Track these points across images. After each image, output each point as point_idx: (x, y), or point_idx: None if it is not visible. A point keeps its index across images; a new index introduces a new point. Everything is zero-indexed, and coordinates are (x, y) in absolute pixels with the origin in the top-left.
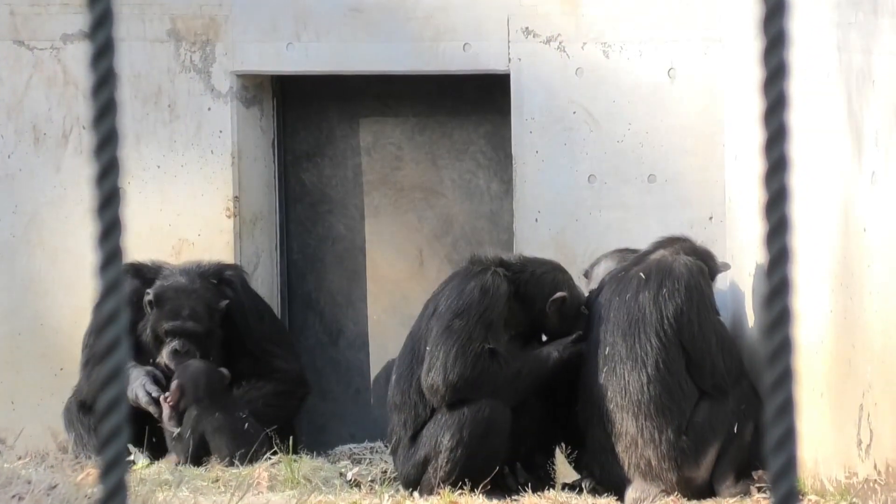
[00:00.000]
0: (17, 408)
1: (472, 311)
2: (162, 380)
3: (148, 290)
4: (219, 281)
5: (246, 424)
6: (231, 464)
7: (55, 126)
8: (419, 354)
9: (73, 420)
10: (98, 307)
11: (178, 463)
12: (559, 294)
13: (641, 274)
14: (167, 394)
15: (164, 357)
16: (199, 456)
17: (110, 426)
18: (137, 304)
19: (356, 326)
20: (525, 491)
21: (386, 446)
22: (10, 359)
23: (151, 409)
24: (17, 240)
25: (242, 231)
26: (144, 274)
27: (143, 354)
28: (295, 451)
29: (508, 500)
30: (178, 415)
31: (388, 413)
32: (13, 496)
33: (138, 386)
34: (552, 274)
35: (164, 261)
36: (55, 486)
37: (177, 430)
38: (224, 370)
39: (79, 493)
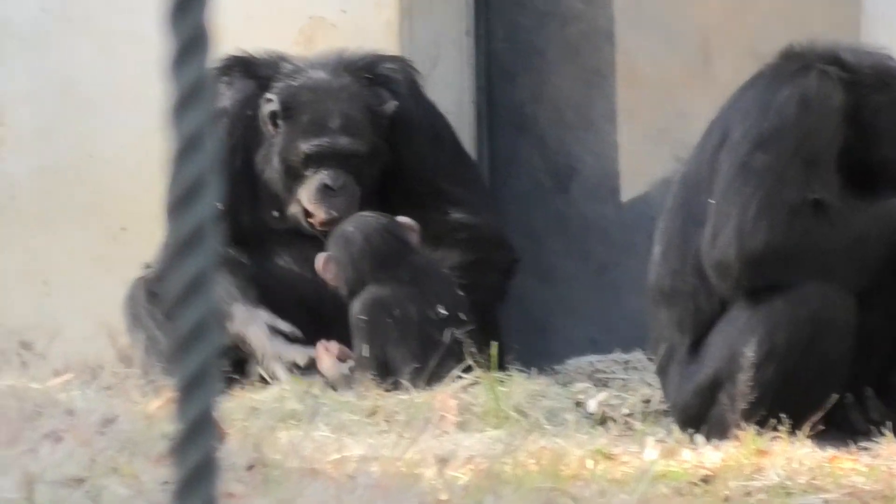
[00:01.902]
0: (54, 292)
1: (786, 138)
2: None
3: (268, 95)
4: (373, 78)
5: (450, 331)
6: (395, 383)
7: None
8: (698, 210)
9: (141, 313)
10: (172, 131)
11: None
12: None
13: None
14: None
15: (307, 201)
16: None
17: (190, 319)
18: (252, 121)
19: (599, 161)
20: (880, 432)
21: (649, 359)
22: (40, 210)
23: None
24: (50, 18)
25: (413, 4)
26: (258, 71)
27: (263, 207)
28: (501, 366)
29: (852, 445)
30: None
31: (651, 306)
32: (46, 435)
33: (267, 340)
34: None
35: (287, 53)
36: (113, 420)
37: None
38: (409, 221)
39: (150, 430)
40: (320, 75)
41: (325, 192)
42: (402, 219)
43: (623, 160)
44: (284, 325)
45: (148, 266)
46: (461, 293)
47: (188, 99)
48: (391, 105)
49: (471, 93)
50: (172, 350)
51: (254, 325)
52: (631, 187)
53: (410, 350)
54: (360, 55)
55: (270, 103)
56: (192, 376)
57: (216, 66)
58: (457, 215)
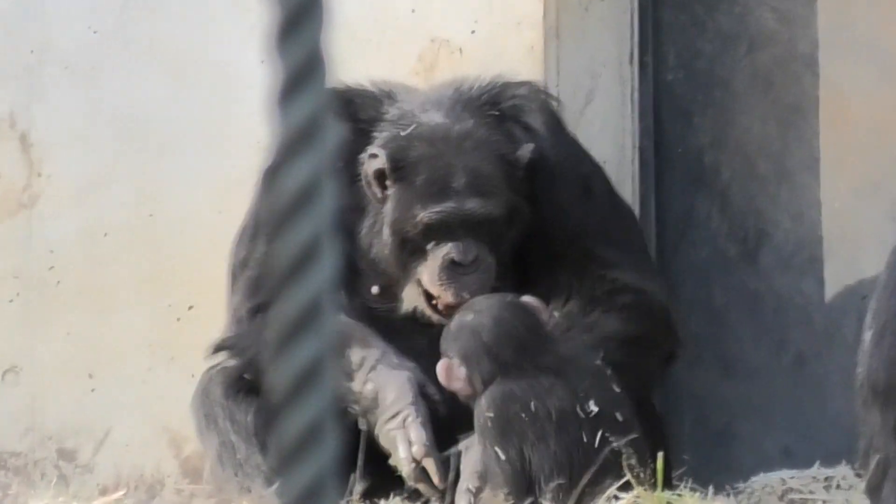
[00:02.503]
0: (102, 387)
1: None
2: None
3: (373, 150)
4: (500, 114)
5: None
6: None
7: None
8: None
9: (216, 413)
10: (271, 178)
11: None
12: None
13: None
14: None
15: (429, 281)
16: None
17: (302, 421)
18: (349, 176)
19: (796, 223)
20: None
21: (857, 476)
22: (85, 284)
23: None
24: (104, 41)
25: (561, 24)
26: (359, 112)
27: (361, 285)
28: (669, 483)
29: None
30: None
31: (861, 408)
32: None
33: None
34: None
35: (400, 83)
36: None
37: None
38: (535, 301)
39: None
40: (436, 118)
41: (453, 269)
42: (527, 299)
43: (827, 221)
44: (434, 391)
45: (220, 347)
46: (617, 389)
47: (300, 142)
48: (527, 148)
49: (634, 136)
50: (279, 460)
51: (395, 382)
52: (837, 256)
53: (553, 456)
54: (480, 85)
55: (376, 160)
56: (304, 495)
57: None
58: (611, 284)
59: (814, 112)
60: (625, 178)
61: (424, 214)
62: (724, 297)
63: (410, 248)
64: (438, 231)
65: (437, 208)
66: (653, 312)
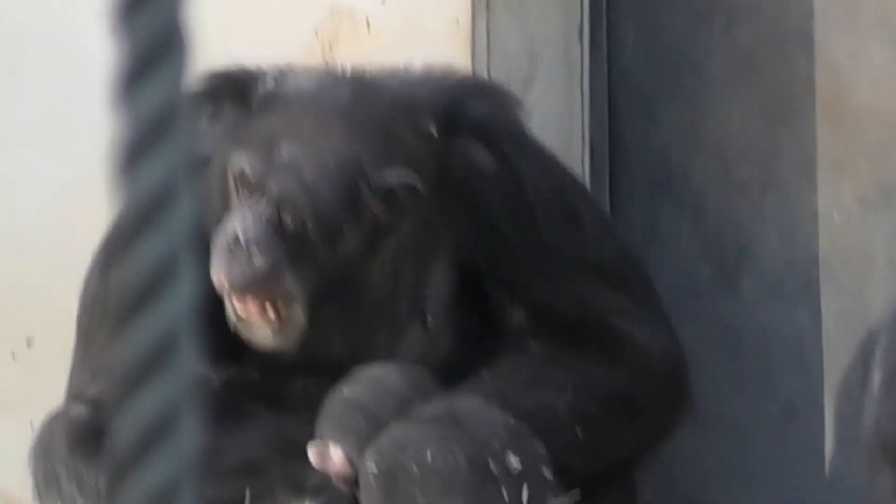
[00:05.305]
0: None
1: None
2: None
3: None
4: (448, 127)
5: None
6: None
7: None
8: None
9: (59, 473)
10: (124, 189)
11: None
12: None
13: None
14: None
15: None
16: None
17: (152, 484)
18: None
19: (786, 240)
20: None
21: None
22: None
23: None
24: None
25: None
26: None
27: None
28: None
29: None
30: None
31: (868, 468)
32: None
33: None
34: None
35: (307, 66)
36: None
37: None
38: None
39: None
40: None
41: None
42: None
43: (825, 238)
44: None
45: (75, 396)
46: (539, 443)
47: (151, 136)
48: (397, 173)
49: (584, 131)
50: None
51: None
52: (838, 281)
53: None
54: (424, 80)
55: (238, 161)
56: None
57: (195, 90)
58: (610, 336)
59: (809, 103)
60: None
61: None
62: (697, 333)
63: None
64: None
65: None
66: (654, 374)
